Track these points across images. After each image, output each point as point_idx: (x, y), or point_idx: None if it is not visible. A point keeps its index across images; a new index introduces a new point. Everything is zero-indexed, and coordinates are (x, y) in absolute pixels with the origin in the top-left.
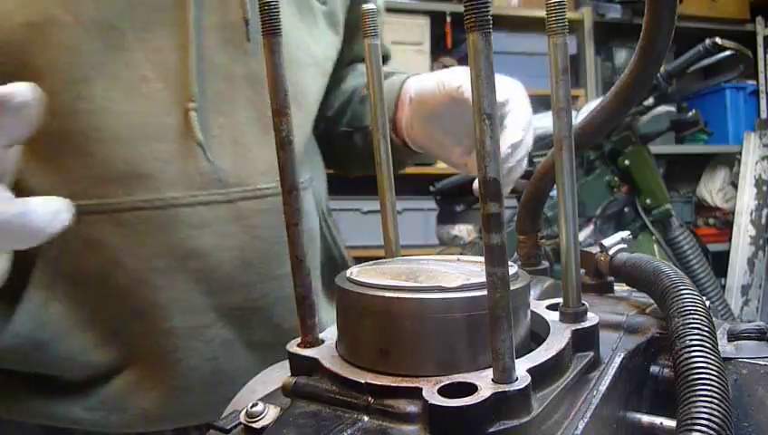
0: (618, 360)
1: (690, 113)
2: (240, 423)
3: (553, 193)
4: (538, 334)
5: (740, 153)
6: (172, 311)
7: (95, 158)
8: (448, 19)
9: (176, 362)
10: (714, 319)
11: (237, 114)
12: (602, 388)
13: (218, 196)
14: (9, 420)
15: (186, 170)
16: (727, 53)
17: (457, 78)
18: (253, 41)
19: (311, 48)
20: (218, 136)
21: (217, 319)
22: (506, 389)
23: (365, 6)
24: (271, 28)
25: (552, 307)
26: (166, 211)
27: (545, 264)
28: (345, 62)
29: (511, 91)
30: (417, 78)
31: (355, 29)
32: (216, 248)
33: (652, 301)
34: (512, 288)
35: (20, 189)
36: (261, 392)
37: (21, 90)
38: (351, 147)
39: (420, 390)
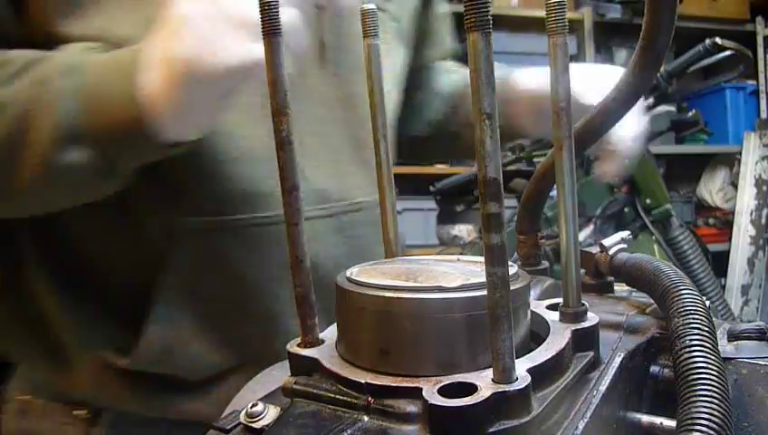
0: (618, 360)
1: (690, 113)
2: (240, 423)
3: (553, 193)
4: (538, 334)
5: (740, 153)
6: (286, 316)
7: (221, 178)
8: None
9: None
10: (714, 319)
11: (334, 135)
12: (602, 388)
13: (322, 211)
14: (141, 416)
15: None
16: (727, 53)
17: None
18: (352, 66)
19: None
20: (321, 155)
21: (325, 323)
22: (506, 389)
23: (365, 6)
24: (271, 28)
25: (551, 307)
26: (281, 226)
27: (545, 264)
28: (417, 67)
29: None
30: (527, 75)
31: (423, 36)
32: (323, 258)
33: (652, 301)
34: (512, 288)
35: (141, 207)
36: (261, 392)
37: None
38: (460, 143)
39: (420, 390)
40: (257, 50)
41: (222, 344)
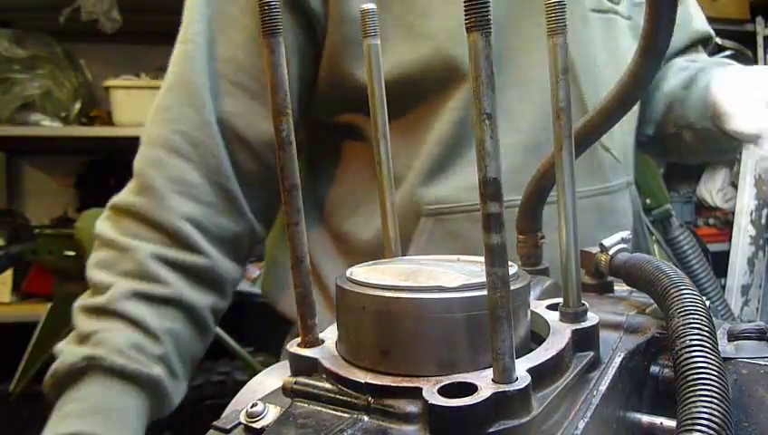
0: (618, 360)
1: None
2: (240, 423)
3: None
4: (538, 334)
5: (740, 153)
6: None
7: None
8: None
9: None
10: (714, 319)
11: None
12: (602, 388)
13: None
14: None
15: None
16: (727, 52)
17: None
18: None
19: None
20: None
21: None
22: (506, 389)
23: (364, 6)
24: (271, 28)
25: (551, 307)
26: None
27: (545, 264)
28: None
29: None
30: (725, 82)
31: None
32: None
33: (652, 301)
34: (512, 288)
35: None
36: (261, 392)
37: None
38: (684, 144)
39: (420, 390)
40: None
41: None
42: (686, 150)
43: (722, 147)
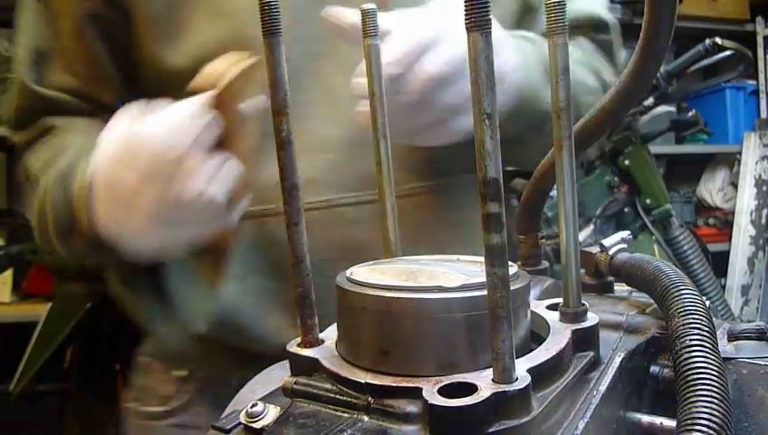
0: (618, 360)
1: (690, 113)
2: (240, 423)
3: (553, 193)
4: (538, 334)
5: (740, 153)
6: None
7: (273, 168)
8: None
9: None
10: (714, 319)
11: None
12: (602, 388)
13: (369, 196)
14: (217, 378)
15: (346, 175)
16: (727, 52)
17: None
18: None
19: None
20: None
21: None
22: (506, 389)
23: (364, 6)
24: (271, 28)
25: (552, 307)
26: (337, 210)
27: (545, 264)
28: None
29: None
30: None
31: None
32: (369, 241)
33: (652, 301)
34: (512, 288)
35: None
36: (261, 392)
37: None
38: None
39: (420, 390)
40: (162, 241)
41: (292, 323)
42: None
43: None
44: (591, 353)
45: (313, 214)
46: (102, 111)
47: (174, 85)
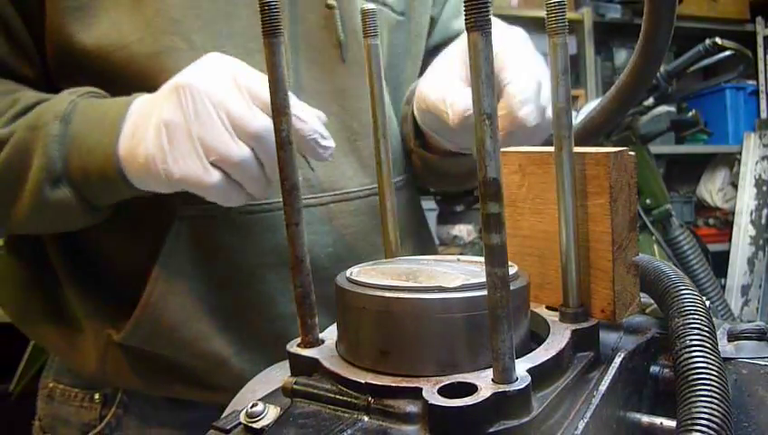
0: (618, 360)
1: (690, 113)
2: (240, 423)
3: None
4: (538, 334)
5: (740, 153)
6: (278, 300)
7: None
8: None
9: (283, 345)
10: (714, 319)
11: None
12: (602, 388)
13: (314, 199)
14: (140, 393)
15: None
16: (727, 52)
17: (463, 100)
18: (347, 61)
19: None
20: None
21: (318, 307)
22: (506, 389)
23: (364, 6)
24: (271, 29)
25: (552, 307)
26: (273, 214)
27: None
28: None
29: (507, 52)
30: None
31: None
32: (313, 245)
33: (652, 301)
34: (512, 288)
35: (136, 201)
36: (261, 392)
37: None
38: (417, 170)
39: (420, 390)
40: (211, 177)
41: (218, 329)
42: (421, 179)
43: (442, 169)
44: (591, 353)
45: (255, 217)
46: (26, 87)
47: (80, 67)
